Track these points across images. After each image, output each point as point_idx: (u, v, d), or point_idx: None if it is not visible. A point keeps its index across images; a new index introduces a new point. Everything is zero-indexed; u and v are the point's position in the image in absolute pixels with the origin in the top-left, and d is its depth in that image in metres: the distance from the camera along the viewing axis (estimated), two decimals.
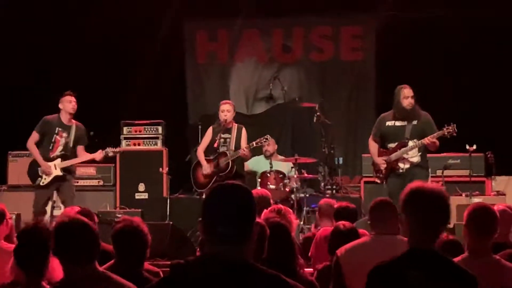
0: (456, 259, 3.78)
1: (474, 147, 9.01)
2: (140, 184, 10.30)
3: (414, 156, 7.88)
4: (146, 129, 10.58)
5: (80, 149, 8.62)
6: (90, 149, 8.74)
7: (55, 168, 8.40)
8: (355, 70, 11.79)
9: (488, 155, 9.60)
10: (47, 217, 8.79)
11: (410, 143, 7.85)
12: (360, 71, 11.76)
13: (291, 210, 5.12)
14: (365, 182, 9.90)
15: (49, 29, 11.28)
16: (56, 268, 3.56)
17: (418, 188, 3.08)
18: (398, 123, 7.97)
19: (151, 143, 10.53)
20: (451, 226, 8.62)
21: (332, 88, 11.75)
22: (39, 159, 8.39)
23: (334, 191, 9.75)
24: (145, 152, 10.47)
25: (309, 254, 5.51)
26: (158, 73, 11.28)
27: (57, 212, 8.70)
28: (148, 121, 10.56)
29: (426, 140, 7.71)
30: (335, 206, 5.96)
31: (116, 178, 10.38)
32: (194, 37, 12.09)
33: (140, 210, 9.69)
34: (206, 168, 9.02)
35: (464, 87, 10.53)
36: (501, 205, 5.09)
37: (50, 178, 8.39)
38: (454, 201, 9.12)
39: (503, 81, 10.60)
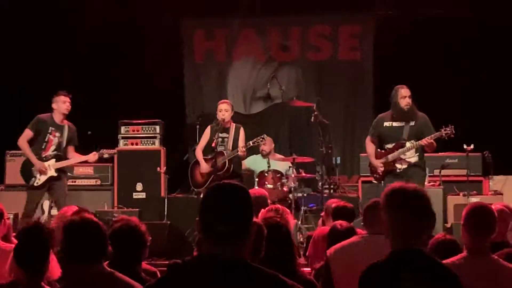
0: (454, 258, 3.80)
1: (472, 146, 9.01)
2: (138, 183, 10.29)
3: (411, 157, 7.89)
4: (144, 129, 10.57)
5: (71, 149, 8.58)
6: (89, 148, 8.74)
7: (50, 168, 8.36)
8: (353, 70, 11.79)
9: (486, 155, 9.61)
10: (45, 216, 8.79)
11: (408, 144, 7.86)
12: (358, 70, 11.76)
13: (288, 210, 5.13)
14: (363, 182, 9.89)
15: (48, 28, 11.27)
16: (54, 267, 3.56)
17: (399, 188, 3.09)
18: (395, 124, 7.98)
19: (149, 142, 10.52)
20: (448, 225, 8.64)
21: (330, 87, 11.75)
22: (33, 158, 8.30)
23: (331, 191, 9.74)
24: (143, 151, 10.46)
25: (307, 253, 5.52)
26: (156, 73, 11.27)
27: (54, 212, 8.67)
28: (146, 121, 10.55)
29: (423, 141, 7.72)
30: (333, 205, 5.96)
31: (114, 178, 10.37)
32: (191, 36, 12.08)
33: (137, 209, 9.69)
34: (204, 167, 9.03)
35: (462, 86, 10.53)
36: (498, 204, 5.10)
37: (45, 178, 8.35)
38: (452, 200, 9.16)
39: (501, 81, 10.61)
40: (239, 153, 8.80)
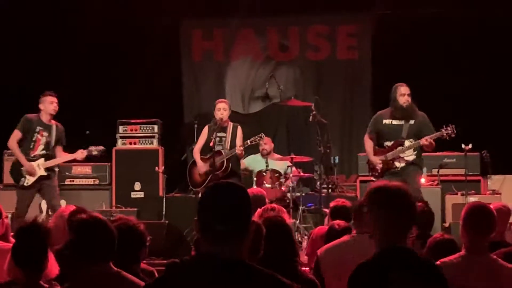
0: (452, 257, 3.80)
1: (470, 146, 9.01)
2: (136, 183, 10.29)
3: (409, 155, 7.91)
4: (142, 128, 10.57)
5: (59, 149, 8.57)
6: (88, 148, 8.73)
7: (39, 168, 8.36)
8: (351, 69, 11.79)
9: (484, 154, 9.61)
10: (43, 215, 8.78)
11: (407, 143, 7.87)
12: (356, 70, 11.76)
13: (284, 209, 5.11)
14: (361, 181, 9.90)
15: (47, 28, 11.26)
16: (53, 266, 3.56)
17: (382, 186, 3.10)
18: (395, 122, 8.00)
19: (147, 142, 10.52)
20: (446, 225, 8.64)
21: (328, 87, 11.74)
22: (22, 159, 8.30)
23: (330, 190, 9.74)
24: (141, 151, 10.46)
25: (305, 252, 5.52)
26: (154, 72, 11.26)
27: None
28: (144, 120, 10.55)
29: (423, 141, 7.74)
30: (331, 205, 5.96)
31: (112, 177, 10.37)
32: (190, 36, 12.07)
33: (136, 209, 9.70)
34: (201, 167, 9.04)
35: (460, 85, 10.52)
36: (496, 204, 5.10)
37: (35, 178, 8.34)
38: (450, 200, 9.17)
39: (499, 80, 10.61)
40: (236, 151, 8.80)
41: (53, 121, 8.52)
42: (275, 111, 11.55)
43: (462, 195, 8.96)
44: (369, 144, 8.20)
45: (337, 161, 10.35)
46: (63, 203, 9.14)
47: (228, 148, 8.95)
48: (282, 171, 9.29)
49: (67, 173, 10.29)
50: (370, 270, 2.94)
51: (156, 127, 10.54)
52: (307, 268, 5.24)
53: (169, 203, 9.72)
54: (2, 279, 3.59)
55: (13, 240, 3.97)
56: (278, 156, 9.90)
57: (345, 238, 4.52)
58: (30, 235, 3.57)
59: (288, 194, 8.98)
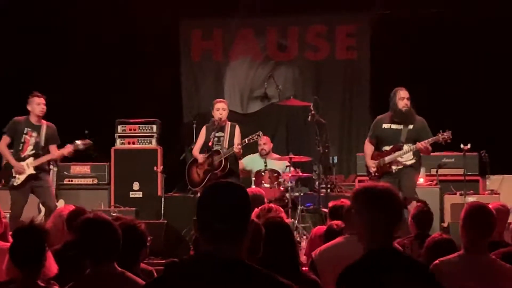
0: (450, 256, 3.80)
1: (469, 146, 9.01)
2: (135, 182, 10.29)
3: (408, 160, 7.98)
4: (141, 128, 10.57)
5: (53, 148, 8.58)
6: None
7: (28, 167, 8.38)
8: (350, 69, 11.79)
9: (482, 154, 9.63)
10: (41, 215, 8.78)
11: (405, 147, 7.93)
12: (355, 69, 11.76)
13: (282, 209, 5.10)
14: (360, 181, 9.90)
15: (46, 28, 11.25)
16: (51, 265, 3.56)
17: (368, 188, 3.10)
18: (394, 126, 8.06)
19: (145, 141, 10.52)
20: (445, 225, 8.65)
21: (327, 86, 11.74)
22: (11, 159, 8.38)
23: (328, 190, 9.75)
24: (140, 150, 10.46)
25: (304, 252, 5.52)
26: (153, 72, 11.26)
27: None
28: (142, 120, 10.55)
29: (419, 145, 7.81)
30: (329, 205, 5.96)
31: (111, 177, 10.36)
32: (189, 36, 12.07)
33: (134, 208, 9.69)
34: (201, 158, 9.02)
35: (459, 86, 10.53)
36: (495, 204, 5.10)
37: (24, 177, 8.37)
38: (449, 200, 9.17)
39: (498, 80, 10.61)
40: (234, 150, 8.80)
41: (43, 121, 8.54)
42: (274, 111, 11.55)
43: (461, 195, 8.97)
44: (368, 148, 8.30)
45: (335, 161, 10.35)
46: (61, 202, 9.17)
47: (226, 147, 8.94)
48: (281, 171, 9.29)
49: (65, 173, 10.29)
50: (359, 272, 2.94)
51: (155, 126, 10.54)
52: (307, 268, 5.24)
53: (167, 202, 9.73)
54: (1, 279, 3.59)
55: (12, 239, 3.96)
56: (277, 156, 9.90)
57: (339, 239, 4.52)
58: (27, 236, 3.57)
59: (287, 194, 8.98)
